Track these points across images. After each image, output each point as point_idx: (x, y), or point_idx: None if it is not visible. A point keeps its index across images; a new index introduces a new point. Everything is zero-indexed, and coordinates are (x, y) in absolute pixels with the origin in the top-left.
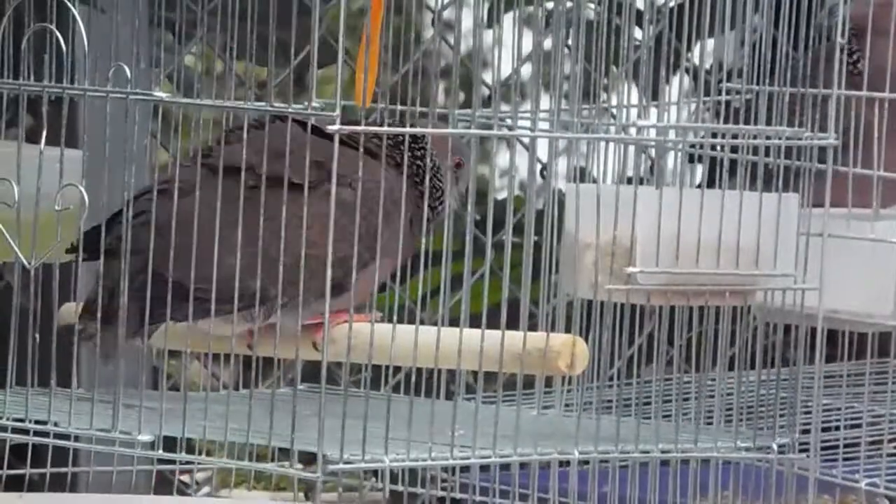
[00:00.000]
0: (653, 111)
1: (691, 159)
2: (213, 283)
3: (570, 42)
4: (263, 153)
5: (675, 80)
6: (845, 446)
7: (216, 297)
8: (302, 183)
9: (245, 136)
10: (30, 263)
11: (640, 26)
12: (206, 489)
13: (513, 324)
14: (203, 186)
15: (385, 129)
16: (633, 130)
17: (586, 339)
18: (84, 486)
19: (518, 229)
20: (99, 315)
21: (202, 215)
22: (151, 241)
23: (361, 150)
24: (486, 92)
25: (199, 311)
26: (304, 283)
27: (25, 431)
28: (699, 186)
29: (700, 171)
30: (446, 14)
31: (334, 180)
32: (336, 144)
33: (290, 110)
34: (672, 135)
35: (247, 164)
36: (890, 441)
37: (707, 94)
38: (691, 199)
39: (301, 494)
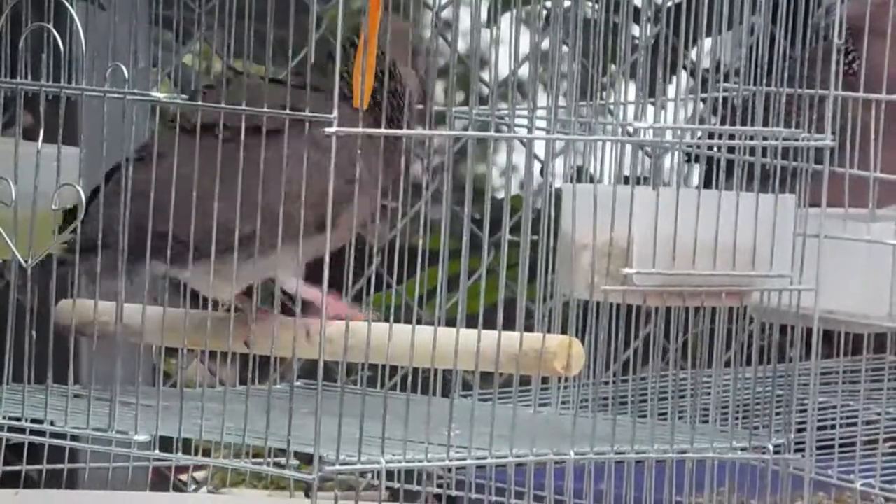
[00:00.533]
0: (650, 111)
1: (689, 159)
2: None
3: (568, 41)
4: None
5: (674, 80)
6: (841, 445)
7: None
8: (272, 129)
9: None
10: (26, 262)
11: (639, 25)
12: (204, 488)
13: (510, 324)
14: (183, 144)
15: (382, 130)
16: (630, 130)
17: (583, 340)
18: (81, 482)
19: (515, 229)
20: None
21: (184, 173)
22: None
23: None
24: (485, 91)
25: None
26: (282, 222)
27: (22, 430)
28: (697, 187)
29: (697, 171)
30: (445, 13)
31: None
32: (308, 91)
33: (286, 111)
34: (669, 135)
35: (215, 120)
36: (886, 440)
37: (705, 93)
38: (688, 199)
39: (301, 493)
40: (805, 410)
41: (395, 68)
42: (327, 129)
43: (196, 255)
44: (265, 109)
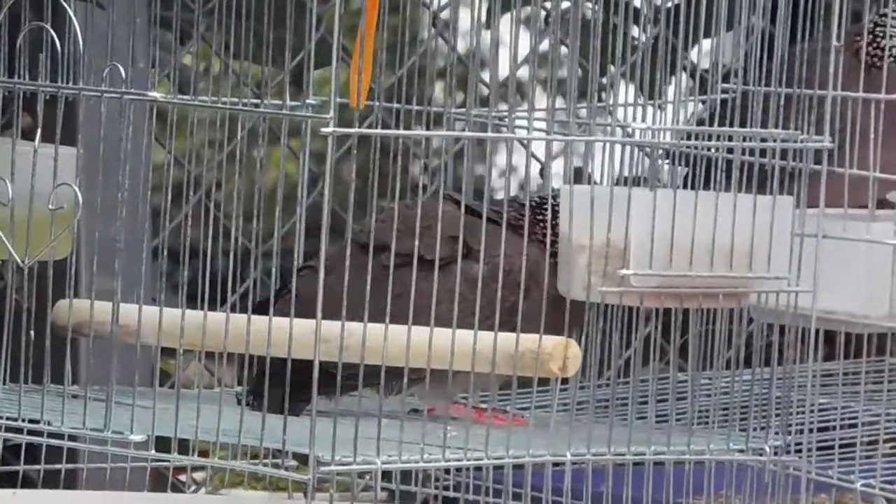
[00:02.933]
0: (649, 112)
1: (682, 158)
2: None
3: (567, 42)
4: (405, 230)
5: (672, 81)
6: (841, 446)
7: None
8: (433, 259)
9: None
10: (23, 262)
11: (638, 25)
12: (202, 488)
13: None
14: (350, 264)
15: (378, 131)
16: (629, 131)
17: (583, 342)
18: (79, 482)
19: None
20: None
21: (348, 295)
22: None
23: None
24: (485, 92)
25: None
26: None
27: (19, 430)
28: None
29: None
30: (444, 14)
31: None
32: (484, 222)
33: (284, 111)
34: (668, 136)
35: (386, 243)
36: (886, 441)
37: (704, 94)
38: (685, 200)
39: (299, 494)
40: (805, 412)
41: None
42: (323, 129)
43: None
44: (264, 110)
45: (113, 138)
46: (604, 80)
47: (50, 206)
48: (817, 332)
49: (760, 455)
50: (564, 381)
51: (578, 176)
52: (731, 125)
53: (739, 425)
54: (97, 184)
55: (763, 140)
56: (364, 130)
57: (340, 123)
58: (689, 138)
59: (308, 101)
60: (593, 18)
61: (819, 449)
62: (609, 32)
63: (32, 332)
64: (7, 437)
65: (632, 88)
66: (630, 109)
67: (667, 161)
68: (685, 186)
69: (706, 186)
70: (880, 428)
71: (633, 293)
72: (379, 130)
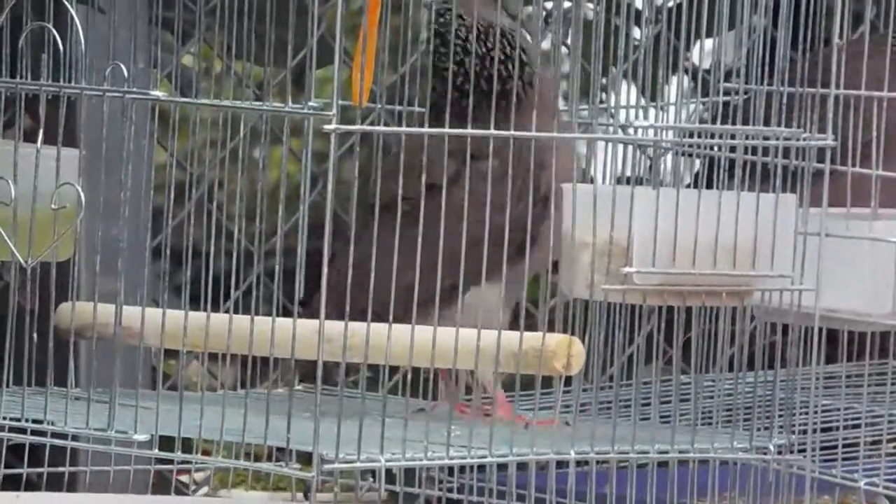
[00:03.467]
0: (651, 111)
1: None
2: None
3: (568, 42)
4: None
5: (674, 80)
6: (845, 446)
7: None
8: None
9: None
10: (26, 263)
11: (639, 26)
12: (204, 489)
13: (511, 323)
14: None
15: (381, 128)
16: (630, 130)
17: (585, 340)
18: (82, 485)
19: None
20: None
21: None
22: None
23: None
24: None
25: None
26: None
27: (23, 431)
28: (688, 185)
29: (693, 168)
30: None
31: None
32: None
33: (286, 110)
34: (670, 135)
35: (393, 194)
36: (889, 441)
37: (706, 93)
38: (688, 199)
39: (300, 494)
40: (809, 413)
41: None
42: (326, 127)
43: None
44: (263, 107)
45: (115, 138)
46: (605, 81)
47: (52, 206)
48: (820, 330)
49: (764, 454)
50: (567, 380)
51: (581, 175)
52: (734, 124)
53: (743, 425)
54: (99, 184)
55: (766, 138)
56: (366, 128)
57: (342, 123)
58: (691, 137)
59: (310, 103)
60: (595, 19)
61: (822, 449)
62: (610, 33)
63: (35, 335)
64: (10, 438)
65: (633, 88)
66: (631, 109)
67: (674, 155)
68: (696, 183)
69: (709, 184)
70: (883, 428)
71: (636, 291)
72: (381, 128)
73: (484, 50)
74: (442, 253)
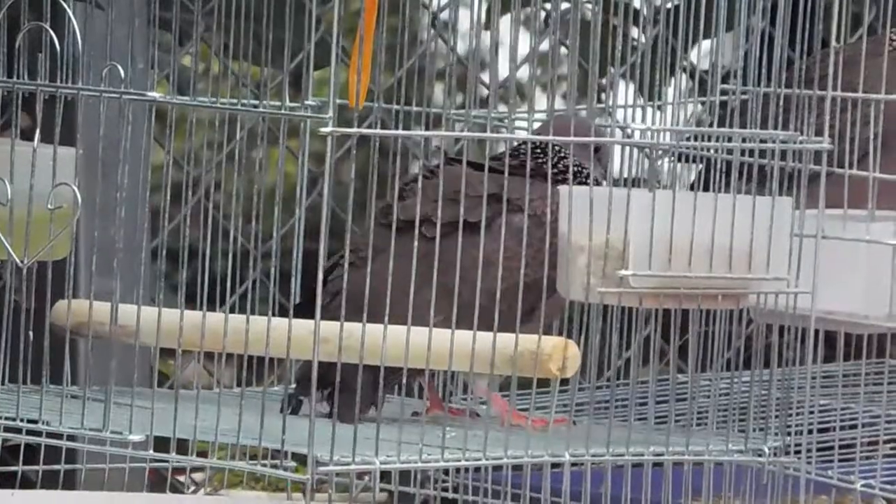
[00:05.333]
0: (649, 112)
1: (684, 159)
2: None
3: (567, 42)
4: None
5: (672, 81)
6: (841, 447)
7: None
8: (476, 221)
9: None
10: (22, 262)
11: (637, 26)
12: (201, 489)
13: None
14: (387, 248)
15: (378, 131)
16: (628, 132)
17: (584, 342)
18: (78, 483)
19: None
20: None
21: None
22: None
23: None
24: (484, 93)
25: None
26: (499, 314)
27: (18, 430)
28: (691, 187)
29: (692, 172)
30: (443, 15)
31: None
32: (506, 173)
33: (284, 111)
34: (667, 137)
35: (423, 215)
36: (886, 442)
37: (704, 94)
38: (684, 201)
39: (297, 494)
40: (804, 413)
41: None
42: (322, 129)
43: None
44: (261, 108)
45: (112, 138)
46: (603, 81)
47: (49, 206)
48: (817, 332)
49: (759, 456)
50: (564, 382)
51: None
52: (732, 126)
53: (738, 426)
54: (96, 184)
55: (763, 141)
56: (364, 130)
57: (340, 124)
58: (688, 139)
59: (307, 102)
60: (593, 19)
61: (819, 450)
62: (609, 33)
63: (31, 333)
64: (6, 437)
65: (631, 89)
66: (630, 110)
67: (671, 157)
68: (697, 185)
69: (706, 187)
70: (880, 429)
71: (632, 294)
72: (378, 130)
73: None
74: (457, 301)
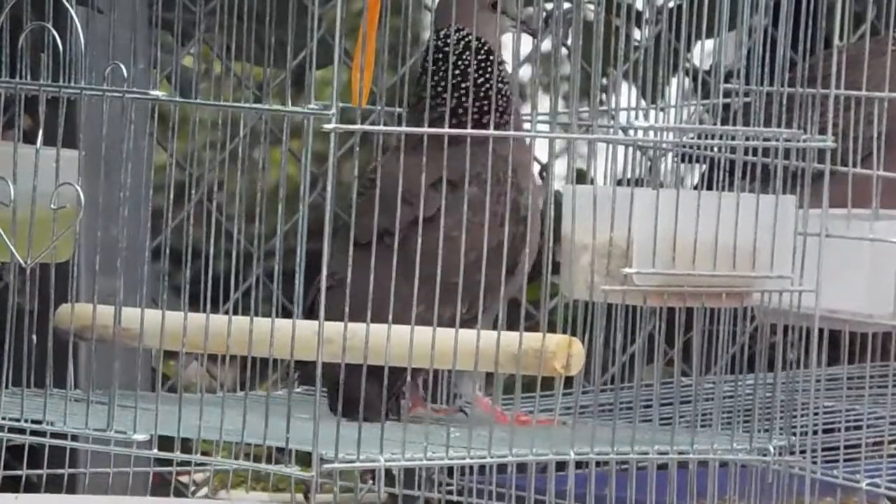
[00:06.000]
0: (651, 112)
1: (687, 158)
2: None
3: (568, 42)
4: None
5: (674, 81)
6: (846, 448)
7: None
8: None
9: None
10: (26, 263)
11: (639, 27)
12: (204, 490)
13: (512, 324)
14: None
15: (380, 128)
16: (630, 131)
17: (587, 341)
18: (81, 487)
19: None
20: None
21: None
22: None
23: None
24: None
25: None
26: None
27: (22, 431)
28: (696, 187)
29: (697, 170)
30: None
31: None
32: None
33: (286, 110)
34: (670, 136)
35: (380, 230)
36: (891, 442)
37: (706, 94)
38: (688, 200)
39: (300, 496)
40: (809, 414)
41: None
42: (325, 126)
43: None
44: (263, 108)
45: (114, 139)
46: (605, 81)
47: (52, 207)
48: (821, 331)
49: (764, 455)
50: (568, 381)
51: (581, 176)
52: (735, 125)
53: (743, 426)
54: (98, 184)
55: (766, 139)
56: (366, 127)
57: (342, 124)
58: (691, 138)
59: (309, 105)
60: (595, 19)
61: (824, 450)
62: (611, 33)
63: (35, 336)
64: (10, 438)
65: (634, 89)
66: (632, 111)
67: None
68: (702, 184)
69: (709, 185)
70: (885, 429)
71: (636, 292)
72: (381, 128)
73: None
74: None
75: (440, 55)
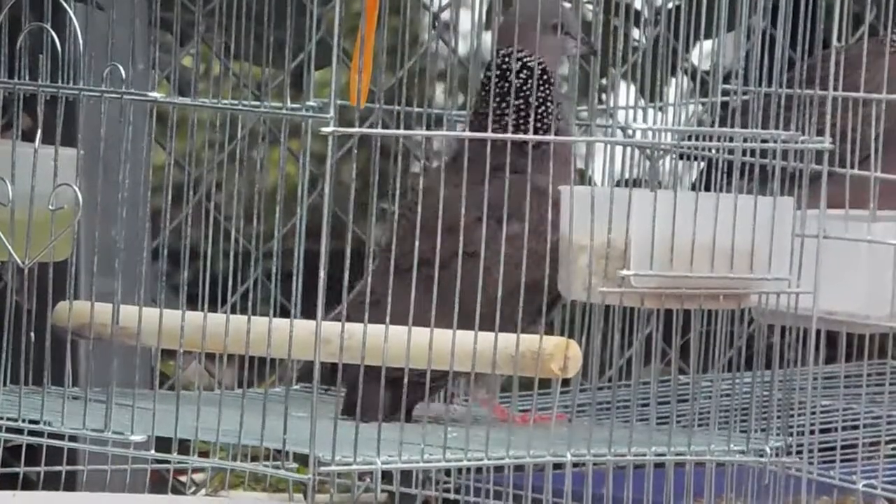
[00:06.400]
0: (649, 113)
1: (685, 157)
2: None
3: None
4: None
5: (673, 82)
6: (843, 448)
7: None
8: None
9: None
10: (24, 263)
11: (638, 27)
12: (202, 490)
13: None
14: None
15: (379, 130)
16: (629, 132)
17: (585, 342)
18: (79, 484)
19: None
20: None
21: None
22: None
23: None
24: None
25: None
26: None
27: (20, 430)
28: (693, 188)
29: (694, 171)
30: (444, 15)
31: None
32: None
33: (285, 111)
34: (668, 137)
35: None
36: (888, 442)
37: (705, 95)
38: (686, 201)
39: (298, 496)
40: (806, 414)
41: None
42: (324, 129)
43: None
44: (262, 108)
45: (113, 139)
46: (604, 82)
47: (50, 207)
48: (818, 332)
49: (761, 456)
50: (566, 382)
51: (579, 176)
52: (733, 126)
53: (740, 427)
54: (97, 185)
55: (764, 141)
56: (365, 130)
57: (341, 125)
58: (690, 139)
59: (308, 102)
60: (594, 20)
61: (821, 450)
62: (609, 34)
63: (33, 334)
64: (7, 438)
65: (632, 90)
66: (631, 111)
67: (672, 157)
68: (700, 185)
69: (707, 187)
70: (882, 429)
71: (633, 294)
72: (380, 130)
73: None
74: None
75: (499, 73)
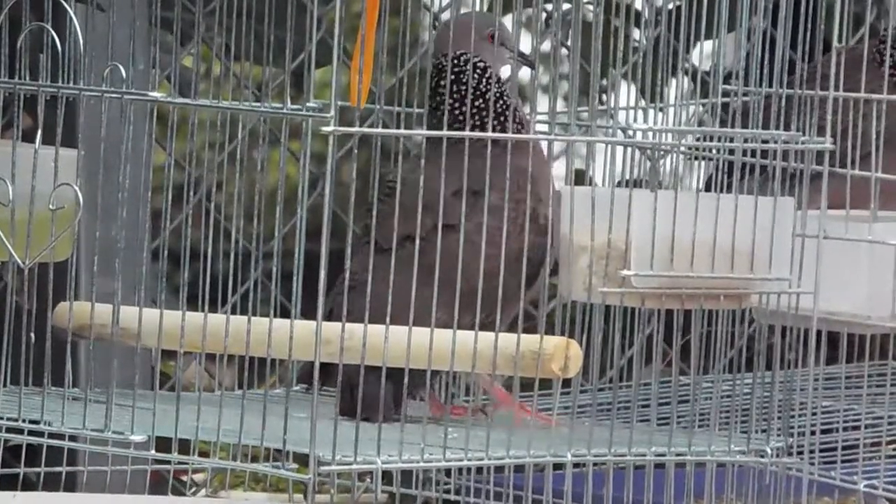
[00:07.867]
0: (650, 113)
1: (685, 158)
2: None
3: (568, 43)
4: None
5: (674, 82)
6: (844, 448)
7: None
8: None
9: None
10: (24, 263)
11: (639, 27)
12: (203, 490)
13: (510, 326)
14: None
15: (379, 130)
16: (630, 133)
17: (585, 343)
18: (80, 485)
19: None
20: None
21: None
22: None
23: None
24: None
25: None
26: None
27: (20, 431)
28: (697, 188)
29: (697, 171)
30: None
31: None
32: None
33: (285, 111)
34: (668, 137)
35: (401, 234)
36: (889, 443)
37: (705, 95)
38: (687, 201)
39: (298, 496)
40: (807, 415)
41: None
42: (324, 129)
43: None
44: (262, 108)
45: (113, 139)
46: (605, 82)
47: (50, 207)
48: (819, 333)
49: (762, 457)
50: (566, 382)
51: (580, 177)
52: (734, 126)
53: (741, 427)
54: (97, 185)
55: (765, 141)
56: (365, 130)
57: (341, 125)
58: (690, 140)
59: (308, 104)
60: (594, 20)
61: (822, 451)
62: (610, 34)
63: (33, 335)
64: (8, 438)
65: (633, 90)
66: (631, 111)
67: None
68: (707, 186)
69: (708, 187)
70: (883, 430)
71: (634, 294)
72: (380, 130)
73: (480, 97)
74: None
75: (443, 75)
